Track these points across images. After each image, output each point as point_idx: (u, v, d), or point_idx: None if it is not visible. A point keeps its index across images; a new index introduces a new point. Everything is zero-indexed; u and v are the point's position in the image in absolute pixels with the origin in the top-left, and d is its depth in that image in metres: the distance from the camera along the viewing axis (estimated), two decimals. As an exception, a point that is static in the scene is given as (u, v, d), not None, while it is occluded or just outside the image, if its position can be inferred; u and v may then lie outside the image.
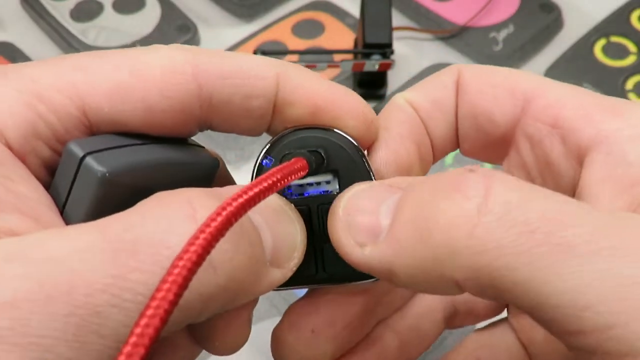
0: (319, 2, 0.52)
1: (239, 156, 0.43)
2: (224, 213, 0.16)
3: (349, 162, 0.21)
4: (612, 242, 0.15)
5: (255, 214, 0.18)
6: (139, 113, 0.19)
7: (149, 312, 0.14)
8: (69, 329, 0.14)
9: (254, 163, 0.21)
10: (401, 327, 0.25)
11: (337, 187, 0.21)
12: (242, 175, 0.44)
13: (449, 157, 0.43)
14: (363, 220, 0.18)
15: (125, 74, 0.18)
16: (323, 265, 0.22)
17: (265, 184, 0.17)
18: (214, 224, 0.15)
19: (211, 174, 0.22)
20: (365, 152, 0.21)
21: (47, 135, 0.18)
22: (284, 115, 0.20)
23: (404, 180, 0.19)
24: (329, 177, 0.21)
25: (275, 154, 0.21)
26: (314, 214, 0.21)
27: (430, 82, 0.23)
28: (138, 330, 0.14)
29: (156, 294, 0.14)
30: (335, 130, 0.21)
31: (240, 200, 0.16)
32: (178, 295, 0.14)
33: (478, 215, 0.16)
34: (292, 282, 0.20)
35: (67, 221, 0.19)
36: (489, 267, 0.15)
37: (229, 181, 0.24)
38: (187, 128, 0.20)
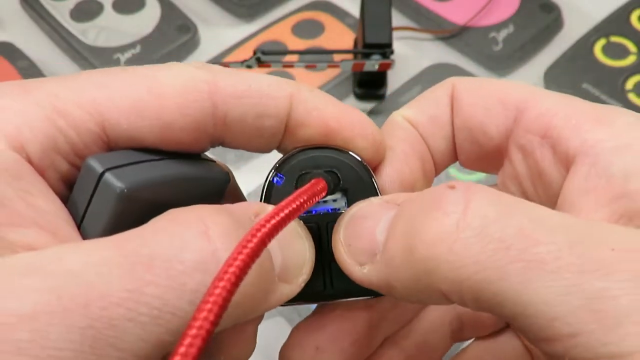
0: (319, 2, 0.52)
1: (239, 156, 0.43)
2: (259, 234, 0.16)
3: (358, 182, 0.21)
4: (581, 259, 0.16)
5: None
6: (156, 130, 0.19)
7: (192, 332, 0.14)
8: (85, 341, 0.14)
9: (264, 180, 0.22)
10: (407, 344, 0.25)
11: (345, 204, 0.22)
12: (242, 175, 0.44)
13: (452, 168, 0.43)
14: (361, 241, 0.19)
15: (144, 92, 0.19)
16: (331, 281, 0.22)
17: (294, 205, 0.18)
18: (250, 245, 0.16)
19: (223, 188, 0.22)
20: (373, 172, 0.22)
21: (66, 149, 0.19)
22: (296, 136, 0.21)
23: (399, 196, 0.20)
24: (336, 195, 0.22)
25: (286, 172, 0.21)
26: (323, 231, 0.22)
27: (426, 98, 0.23)
28: (182, 349, 0.14)
29: (197, 315, 0.15)
30: (345, 150, 0.22)
31: (273, 221, 0.17)
32: (219, 315, 0.15)
33: (457, 231, 0.17)
34: (300, 297, 0.21)
35: (84, 235, 0.19)
36: (468, 280, 0.16)
37: (238, 194, 0.24)
38: (201, 144, 0.20)
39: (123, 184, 0.18)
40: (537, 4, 0.51)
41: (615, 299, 0.15)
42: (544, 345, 0.16)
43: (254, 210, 0.19)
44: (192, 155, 0.21)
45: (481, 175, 0.43)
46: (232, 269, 0.15)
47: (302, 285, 0.20)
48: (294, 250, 0.20)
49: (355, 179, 0.21)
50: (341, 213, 0.21)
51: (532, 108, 0.21)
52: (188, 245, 0.16)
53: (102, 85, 0.19)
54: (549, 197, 0.21)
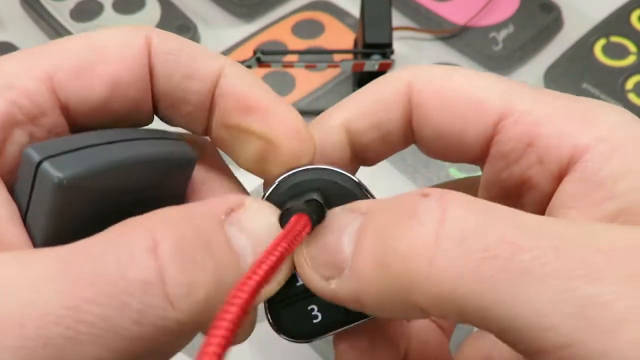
0: (319, 2, 0.52)
1: (239, 156, 0.43)
2: (236, 301, 0.15)
3: (346, 196, 0.20)
4: (568, 263, 0.15)
5: (233, 226, 0.18)
6: (105, 87, 0.19)
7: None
8: None
9: None
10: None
11: None
12: (242, 174, 0.44)
13: (452, 168, 0.43)
14: (326, 254, 0.18)
15: (86, 50, 0.19)
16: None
17: (273, 258, 0.17)
18: (228, 317, 0.15)
19: (188, 169, 0.21)
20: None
21: (23, 121, 0.18)
22: (218, 109, 0.20)
23: (362, 204, 0.19)
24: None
25: (276, 202, 0.20)
26: None
27: (371, 100, 0.22)
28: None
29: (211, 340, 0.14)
30: (326, 167, 0.21)
31: (251, 282, 0.16)
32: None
33: (436, 243, 0.16)
34: (325, 330, 0.21)
35: (30, 231, 0.18)
36: (451, 294, 0.16)
37: (219, 163, 0.22)
38: (147, 105, 0.20)
39: (61, 173, 0.17)
40: (537, 4, 0.51)
41: (608, 305, 0.14)
42: (535, 356, 0.15)
43: (226, 206, 0.18)
44: (157, 134, 0.20)
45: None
46: (224, 323, 0.15)
47: (280, 285, 0.19)
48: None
49: (342, 193, 0.20)
50: None
51: (514, 111, 0.20)
52: (134, 262, 0.15)
53: (46, 52, 0.19)
54: (534, 203, 0.21)
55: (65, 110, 0.19)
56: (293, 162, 0.20)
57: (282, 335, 0.22)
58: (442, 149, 0.22)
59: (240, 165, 0.21)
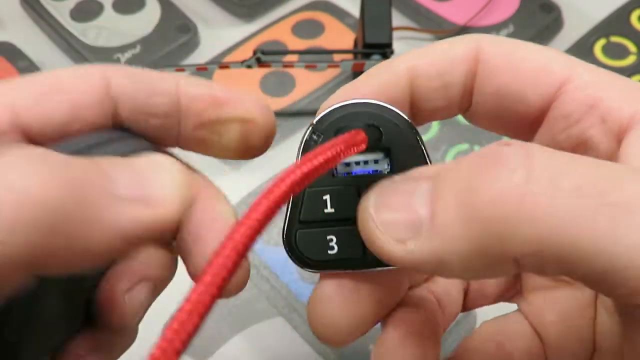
0: (319, 2, 0.52)
1: (239, 156, 0.43)
2: (288, 180, 0.16)
3: (402, 142, 0.20)
4: None
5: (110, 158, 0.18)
6: (64, 112, 0.19)
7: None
8: None
9: (301, 138, 0.21)
10: (436, 289, 0.25)
11: (387, 167, 0.21)
12: (242, 174, 0.44)
13: (449, 157, 0.43)
14: (399, 215, 0.18)
15: (46, 80, 0.20)
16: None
17: (330, 154, 0.17)
18: (276, 191, 0.15)
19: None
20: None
21: None
22: (189, 114, 0.21)
23: (427, 169, 0.19)
24: (378, 155, 0.21)
25: (324, 129, 0.20)
26: (363, 193, 0.20)
27: (441, 52, 0.22)
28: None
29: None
30: (388, 105, 0.20)
31: (305, 168, 0.16)
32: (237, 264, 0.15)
33: (528, 184, 0.15)
34: (337, 265, 0.21)
35: None
36: (551, 238, 0.15)
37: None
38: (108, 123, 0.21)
39: None
40: (537, 4, 0.51)
41: None
42: None
43: None
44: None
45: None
46: (255, 215, 0.15)
47: (178, 211, 0.18)
48: (154, 175, 0.18)
49: (399, 138, 0.20)
50: (384, 175, 0.20)
51: (575, 79, 0.21)
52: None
53: (6, 84, 0.20)
54: None
55: (30, 134, 0.19)
56: (269, 133, 0.21)
57: (292, 259, 0.21)
58: (500, 109, 0.22)
59: (222, 155, 0.22)
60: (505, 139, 0.22)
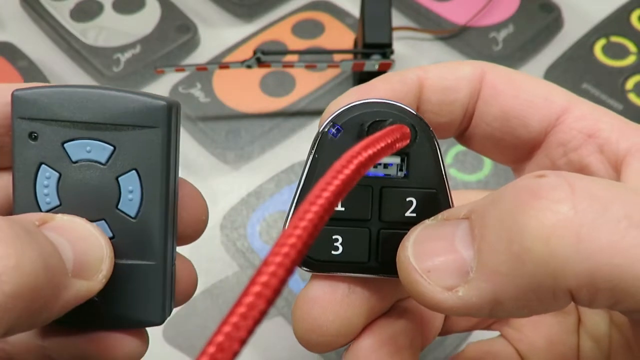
0: (319, 2, 0.52)
1: (239, 156, 0.43)
2: (355, 161, 0.15)
3: (421, 148, 0.20)
4: None
5: (50, 231, 0.19)
6: None
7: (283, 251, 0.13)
8: None
9: (315, 134, 0.20)
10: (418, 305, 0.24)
11: (401, 172, 0.20)
12: (242, 175, 0.44)
13: (452, 168, 0.43)
14: (442, 260, 0.17)
15: None
16: (377, 254, 0.20)
17: (388, 141, 0.16)
18: (346, 171, 0.15)
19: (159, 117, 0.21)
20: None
21: None
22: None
23: (459, 210, 0.18)
24: (393, 158, 0.20)
25: (345, 123, 0.20)
26: (375, 196, 0.20)
27: (450, 70, 0.22)
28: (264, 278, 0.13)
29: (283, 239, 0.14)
30: (410, 109, 0.20)
31: (370, 152, 0.15)
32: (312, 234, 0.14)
33: (577, 216, 0.15)
34: (339, 268, 0.20)
35: None
36: (605, 267, 0.15)
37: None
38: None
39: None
40: (537, 4, 0.51)
41: None
42: None
43: (37, 217, 0.19)
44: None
45: (481, 174, 0.43)
46: (326, 194, 0.14)
47: (104, 281, 0.20)
48: (87, 245, 0.20)
49: (419, 144, 0.20)
50: (398, 180, 0.20)
51: (575, 109, 0.21)
52: None
53: None
54: None
55: None
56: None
57: None
58: (499, 132, 0.22)
59: None
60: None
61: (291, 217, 0.14)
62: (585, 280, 0.15)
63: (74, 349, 0.22)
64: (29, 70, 0.47)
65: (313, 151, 0.20)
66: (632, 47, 0.48)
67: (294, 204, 0.21)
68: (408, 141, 0.18)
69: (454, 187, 0.42)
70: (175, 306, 0.23)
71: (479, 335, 0.27)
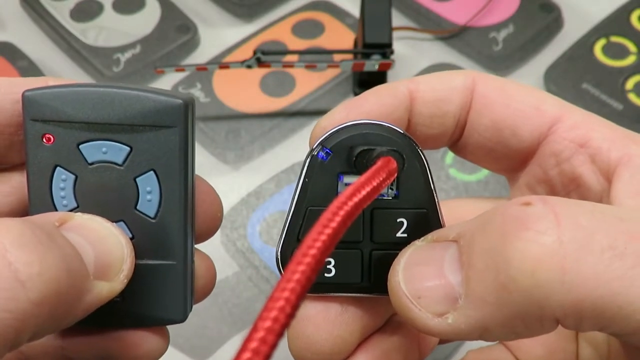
0: (319, 2, 0.52)
1: (239, 156, 0.43)
2: (341, 212, 0.15)
3: (410, 168, 0.20)
4: None
5: (70, 232, 0.19)
6: None
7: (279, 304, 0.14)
8: None
9: (305, 156, 0.20)
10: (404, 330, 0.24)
11: (392, 190, 0.20)
12: (242, 175, 0.44)
13: (452, 168, 0.43)
14: (431, 285, 0.18)
15: None
16: (370, 274, 0.21)
17: (375, 183, 0.17)
18: (332, 224, 0.15)
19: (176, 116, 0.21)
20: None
21: None
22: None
23: (448, 231, 0.19)
24: None
25: (335, 146, 0.20)
26: (367, 217, 0.20)
27: (441, 81, 0.22)
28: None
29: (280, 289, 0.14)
30: (398, 129, 0.20)
31: (355, 199, 0.16)
32: (304, 287, 0.14)
33: (562, 247, 0.15)
34: (332, 288, 0.20)
35: None
36: (590, 297, 0.15)
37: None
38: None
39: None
40: (537, 4, 0.51)
41: None
42: None
43: (56, 218, 0.19)
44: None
45: (481, 174, 0.43)
46: (312, 251, 0.15)
47: (125, 281, 0.20)
48: (108, 246, 0.19)
49: (409, 164, 0.20)
50: (388, 200, 0.20)
51: (567, 119, 0.21)
52: None
53: None
54: (584, 199, 0.21)
55: None
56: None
57: None
58: (491, 142, 0.22)
59: None
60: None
61: (281, 278, 0.14)
62: (571, 309, 0.15)
63: (95, 348, 0.22)
64: (29, 70, 0.47)
65: (303, 175, 0.20)
66: (632, 47, 0.48)
67: (285, 229, 0.21)
68: (395, 175, 0.18)
69: (454, 187, 0.42)
70: (195, 303, 0.23)
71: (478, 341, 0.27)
